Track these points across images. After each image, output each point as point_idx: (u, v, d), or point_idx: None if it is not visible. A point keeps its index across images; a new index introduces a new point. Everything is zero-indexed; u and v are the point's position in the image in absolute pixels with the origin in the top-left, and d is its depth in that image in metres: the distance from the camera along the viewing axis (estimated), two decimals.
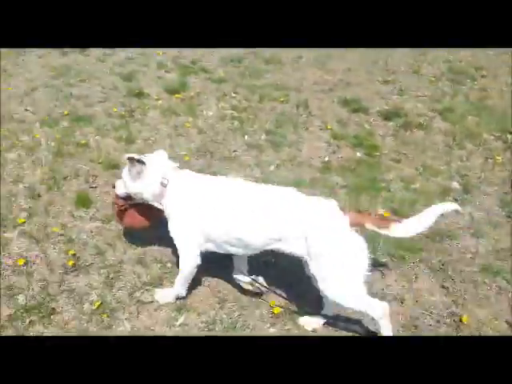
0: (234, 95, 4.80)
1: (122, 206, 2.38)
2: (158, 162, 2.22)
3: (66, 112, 4.02)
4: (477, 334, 2.19)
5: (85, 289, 2.33)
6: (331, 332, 2.19)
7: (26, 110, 3.99)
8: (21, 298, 2.23)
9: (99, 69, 5.02)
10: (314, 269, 1.97)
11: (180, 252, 2.19)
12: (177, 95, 4.63)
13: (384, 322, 1.98)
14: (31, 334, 2.05)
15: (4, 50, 5.23)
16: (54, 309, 2.19)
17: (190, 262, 2.17)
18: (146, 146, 3.68)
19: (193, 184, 2.15)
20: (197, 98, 4.65)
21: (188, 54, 5.86)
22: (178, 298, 2.28)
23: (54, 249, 2.55)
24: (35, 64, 4.99)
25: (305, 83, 5.21)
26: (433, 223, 1.95)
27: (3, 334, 2.04)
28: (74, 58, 5.28)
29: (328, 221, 1.94)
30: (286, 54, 5.99)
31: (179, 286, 2.24)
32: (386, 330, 1.99)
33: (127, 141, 3.71)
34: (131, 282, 2.40)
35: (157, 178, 2.15)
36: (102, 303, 2.24)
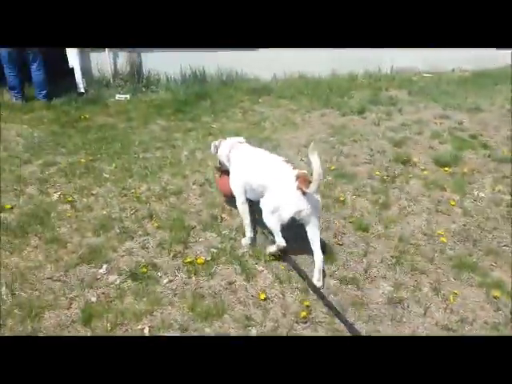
0: None
1: (218, 173, 3.56)
2: (231, 140, 3.36)
3: (332, 167, 4.30)
4: None
5: None
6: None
7: (301, 159, 4.47)
8: (253, 331, 2.40)
9: (372, 131, 5.21)
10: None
11: (236, 197, 3.18)
12: (446, 168, 4.30)
13: (273, 249, 2.91)
14: None
15: (293, 107, 6.11)
16: None
17: (240, 203, 3.15)
18: (401, 215, 3.52)
19: (241, 153, 3.20)
20: (470, 175, 4.19)
21: (468, 126, 5.41)
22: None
23: (292, 294, 2.68)
24: (318, 121, 5.61)
25: None
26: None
27: None
28: (351, 118, 5.68)
29: (282, 180, 2.77)
30: None
31: (243, 216, 3.22)
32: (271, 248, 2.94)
33: (382, 205, 3.64)
34: None
35: (227, 147, 3.29)
36: None
